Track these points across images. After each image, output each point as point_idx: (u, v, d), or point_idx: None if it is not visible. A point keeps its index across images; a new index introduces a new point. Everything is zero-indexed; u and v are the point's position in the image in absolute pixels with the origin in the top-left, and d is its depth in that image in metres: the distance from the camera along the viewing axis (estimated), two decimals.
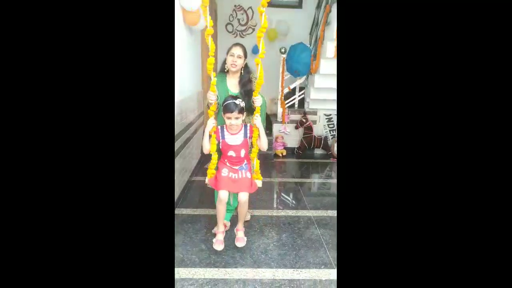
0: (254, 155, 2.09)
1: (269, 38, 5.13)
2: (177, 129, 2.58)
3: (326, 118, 4.52)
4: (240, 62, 2.11)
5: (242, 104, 1.90)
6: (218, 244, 2.01)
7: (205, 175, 2.12)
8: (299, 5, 5.36)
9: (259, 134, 1.96)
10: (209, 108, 2.03)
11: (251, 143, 2.03)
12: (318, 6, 4.41)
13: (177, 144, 2.59)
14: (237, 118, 1.88)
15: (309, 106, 4.54)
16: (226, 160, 2.04)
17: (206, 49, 4.09)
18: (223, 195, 1.95)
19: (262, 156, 2.46)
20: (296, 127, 4.42)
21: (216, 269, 1.86)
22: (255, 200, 2.73)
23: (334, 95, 4.28)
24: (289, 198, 3.02)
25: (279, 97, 4.41)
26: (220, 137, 1.98)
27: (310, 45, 4.50)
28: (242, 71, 2.17)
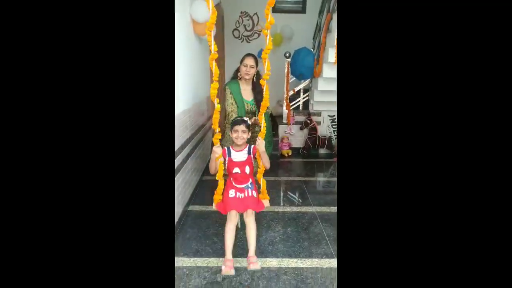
0: (260, 175, 2.25)
1: (275, 43, 5.32)
2: (189, 132, 2.78)
3: (330, 119, 4.69)
4: (252, 71, 2.51)
5: (249, 122, 2.13)
6: (228, 269, 1.77)
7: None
8: (302, 11, 5.56)
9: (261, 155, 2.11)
10: (213, 136, 2.13)
11: (256, 161, 2.17)
12: (320, 13, 4.59)
13: (190, 146, 2.79)
14: (243, 131, 2.05)
15: (313, 107, 4.72)
16: (232, 179, 2.14)
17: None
18: (233, 215, 1.97)
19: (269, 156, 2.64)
20: (301, 128, 4.60)
21: None
22: None
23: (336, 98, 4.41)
24: (294, 196, 3.21)
25: (284, 99, 4.60)
26: (226, 155, 2.11)
27: (314, 50, 4.68)
28: (254, 78, 2.55)
